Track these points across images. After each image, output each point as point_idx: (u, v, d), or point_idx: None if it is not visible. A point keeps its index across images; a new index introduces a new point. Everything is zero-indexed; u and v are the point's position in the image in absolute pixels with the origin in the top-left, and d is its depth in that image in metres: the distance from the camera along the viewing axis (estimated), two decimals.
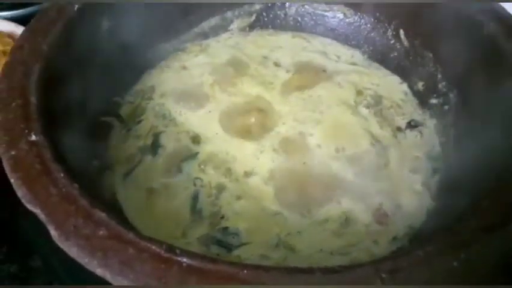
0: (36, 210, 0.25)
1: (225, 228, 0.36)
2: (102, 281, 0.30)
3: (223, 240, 0.35)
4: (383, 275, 0.22)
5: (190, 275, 0.22)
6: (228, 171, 0.39)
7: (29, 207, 0.25)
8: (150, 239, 0.23)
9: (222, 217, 0.37)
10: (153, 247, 0.23)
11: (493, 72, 0.37)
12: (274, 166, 0.39)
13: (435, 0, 0.42)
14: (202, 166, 0.39)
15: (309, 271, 0.22)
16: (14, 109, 0.29)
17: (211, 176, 0.39)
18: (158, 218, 0.36)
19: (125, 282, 0.22)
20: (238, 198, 0.38)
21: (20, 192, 0.25)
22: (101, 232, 0.24)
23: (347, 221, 0.37)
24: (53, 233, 0.24)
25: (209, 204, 0.37)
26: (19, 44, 0.34)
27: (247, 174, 0.39)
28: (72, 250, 0.23)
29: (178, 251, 0.23)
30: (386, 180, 0.39)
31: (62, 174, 0.26)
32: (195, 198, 0.37)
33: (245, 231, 0.36)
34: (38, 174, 0.26)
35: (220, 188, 0.38)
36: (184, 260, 0.23)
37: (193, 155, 0.40)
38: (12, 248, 0.41)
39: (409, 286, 0.22)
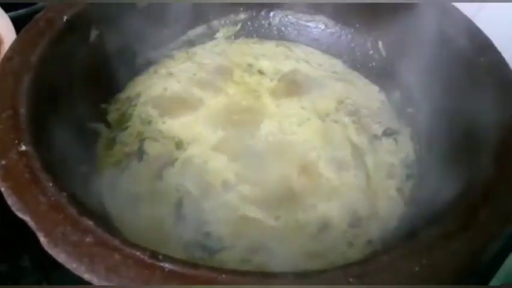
0: (26, 218, 0.26)
1: (208, 233, 0.37)
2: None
3: (206, 244, 0.37)
4: (351, 279, 0.24)
5: (172, 279, 0.24)
6: (209, 178, 0.40)
7: (19, 214, 0.26)
8: (134, 246, 0.25)
9: (205, 222, 0.38)
10: (137, 253, 0.25)
11: (462, 85, 0.39)
12: (256, 174, 0.41)
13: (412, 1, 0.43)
14: (183, 173, 0.41)
15: (282, 275, 0.24)
16: (4, 120, 0.30)
17: (193, 183, 0.40)
18: (144, 224, 0.38)
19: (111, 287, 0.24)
20: (221, 204, 0.39)
21: (10, 200, 0.27)
22: (88, 239, 0.25)
23: (324, 225, 0.38)
24: (42, 239, 0.25)
25: (192, 210, 0.38)
26: (9, 56, 0.35)
27: (227, 182, 0.40)
28: (60, 256, 0.25)
29: (160, 257, 0.24)
30: (362, 185, 0.41)
31: (51, 184, 0.27)
32: (179, 204, 0.39)
33: (227, 236, 0.37)
34: (28, 184, 0.27)
35: (203, 194, 0.39)
36: (167, 265, 0.24)
37: (174, 162, 0.41)
38: (1, 249, 0.42)
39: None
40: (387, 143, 0.45)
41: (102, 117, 0.44)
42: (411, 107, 0.46)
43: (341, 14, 0.52)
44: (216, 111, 0.45)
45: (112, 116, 0.45)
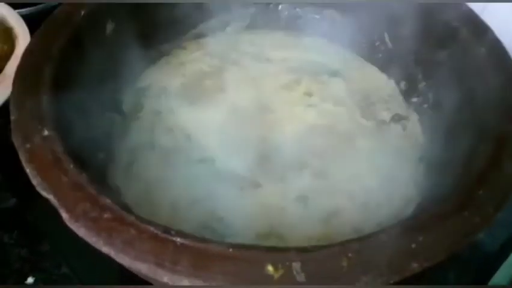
0: (50, 197, 0.28)
1: (220, 218, 0.39)
2: (106, 263, 0.33)
3: (218, 228, 0.38)
4: (349, 254, 0.25)
5: (183, 252, 0.26)
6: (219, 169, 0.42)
7: (44, 194, 0.29)
8: (149, 222, 0.27)
9: (217, 208, 0.40)
10: (151, 228, 0.27)
11: (464, 75, 0.40)
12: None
13: None
14: (196, 160, 0.42)
15: (285, 250, 0.26)
16: (28, 108, 0.33)
17: (207, 170, 0.42)
18: (157, 209, 0.40)
19: (127, 259, 0.26)
20: (236, 189, 0.41)
21: (36, 180, 0.29)
22: (106, 215, 0.27)
23: (334, 209, 0.40)
24: (64, 215, 0.27)
25: (206, 196, 0.40)
26: (30, 49, 0.37)
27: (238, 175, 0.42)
28: (81, 230, 0.27)
29: (173, 232, 0.26)
30: (371, 169, 0.43)
31: (71, 165, 0.29)
32: (191, 190, 0.41)
33: (239, 222, 0.39)
34: (51, 165, 0.29)
35: (217, 181, 0.41)
36: (178, 239, 0.26)
37: (187, 150, 0.43)
38: (22, 234, 0.45)
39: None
40: (395, 128, 0.46)
41: (117, 107, 0.46)
42: (416, 97, 0.48)
43: (348, 8, 0.53)
44: (226, 101, 0.47)
45: (127, 106, 0.47)
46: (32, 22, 0.47)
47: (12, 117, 0.32)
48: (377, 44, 0.51)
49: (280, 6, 0.56)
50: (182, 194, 0.41)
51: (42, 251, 0.44)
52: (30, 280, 0.42)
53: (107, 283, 0.42)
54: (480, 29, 0.42)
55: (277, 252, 0.26)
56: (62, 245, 0.43)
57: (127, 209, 0.28)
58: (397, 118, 0.47)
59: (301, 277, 0.25)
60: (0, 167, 0.48)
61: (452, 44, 0.43)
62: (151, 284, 0.33)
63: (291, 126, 0.46)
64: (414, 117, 0.47)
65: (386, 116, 0.47)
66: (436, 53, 0.44)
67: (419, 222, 0.27)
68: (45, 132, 0.31)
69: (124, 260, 0.26)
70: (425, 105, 0.46)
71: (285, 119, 0.46)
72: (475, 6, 0.44)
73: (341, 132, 0.46)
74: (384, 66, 0.51)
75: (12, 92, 0.34)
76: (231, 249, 0.26)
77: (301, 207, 0.40)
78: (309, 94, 0.48)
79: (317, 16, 0.54)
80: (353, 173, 0.42)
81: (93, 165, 0.39)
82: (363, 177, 0.42)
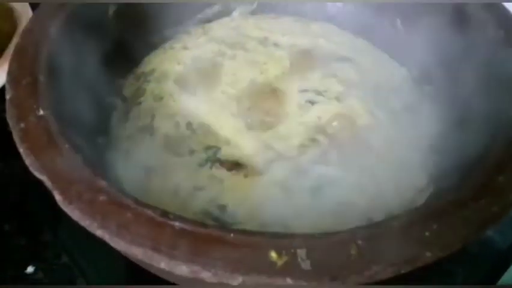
0: (43, 178, 0.27)
1: (223, 206, 0.38)
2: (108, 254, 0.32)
3: (220, 217, 0.37)
4: (359, 242, 0.24)
5: (181, 237, 0.24)
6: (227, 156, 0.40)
7: (36, 174, 0.27)
8: (146, 205, 0.26)
9: (221, 197, 0.38)
10: (149, 212, 0.25)
11: (481, 61, 0.38)
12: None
13: None
14: (198, 148, 0.41)
15: (290, 236, 0.24)
16: (23, 87, 0.31)
17: (210, 158, 0.40)
18: (157, 195, 0.38)
19: (122, 243, 0.24)
20: (239, 179, 0.39)
21: (28, 160, 0.28)
22: (101, 198, 0.26)
23: (344, 201, 0.38)
24: (57, 197, 0.26)
25: (208, 184, 0.39)
26: (29, 27, 0.36)
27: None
28: (74, 213, 0.25)
29: (171, 216, 0.25)
30: (382, 159, 0.41)
31: (67, 146, 0.28)
32: (193, 177, 0.39)
33: (243, 211, 0.37)
34: (45, 145, 0.28)
35: (220, 169, 0.40)
36: (177, 224, 0.25)
37: (190, 137, 0.42)
38: (23, 223, 0.44)
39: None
40: (407, 116, 0.44)
41: (118, 91, 0.45)
42: (429, 85, 0.46)
43: None
44: (229, 87, 0.45)
45: (128, 91, 0.45)
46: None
47: (7, 96, 0.31)
48: (389, 30, 0.49)
49: None
50: (183, 181, 0.39)
51: (43, 240, 0.43)
52: (30, 269, 0.41)
53: (108, 273, 0.41)
54: (499, 12, 0.40)
55: (282, 238, 0.24)
56: (63, 235, 0.43)
57: (123, 191, 0.26)
58: (409, 106, 0.45)
59: (306, 265, 0.23)
60: (1, 155, 0.47)
61: (468, 29, 0.41)
62: (156, 283, 0.32)
63: (297, 114, 0.44)
64: (426, 105, 0.45)
65: (397, 104, 0.45)
66: (451, 39, 0.42)
67: (433, 210, 0.25)
68: (41, 112, 0.30)
69: (119, 244, 0.24)
70: (438, 93, 0.44)
71: (291, 105, 0.44)
72: None
73: (349, 121, 0.44)
74: (396, 53, 0.49)
75: (9, 71, 0.33)
76: (232, 235, 0.24)
77: (309, 197, 0.39)
78: (317, 80, 0.46)
79: (327, 2, 0.52)
80: (362, 163, 0.41)
81: (91, 150, 0.38)
82: (373, 167, 0.40)
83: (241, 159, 0.40)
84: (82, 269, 0.41)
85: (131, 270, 0.35)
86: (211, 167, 0.40)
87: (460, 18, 0.42)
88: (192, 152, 0.41)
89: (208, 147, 0.41)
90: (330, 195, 0.39)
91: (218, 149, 0.41)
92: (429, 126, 0.44)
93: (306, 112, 0.44)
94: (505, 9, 0.40)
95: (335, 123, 0.43)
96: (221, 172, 0.40)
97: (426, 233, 0.24)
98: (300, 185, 0.39)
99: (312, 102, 0.45)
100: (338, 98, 0.45)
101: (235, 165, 0.40)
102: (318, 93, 0.45)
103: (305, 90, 0.45)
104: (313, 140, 0.42)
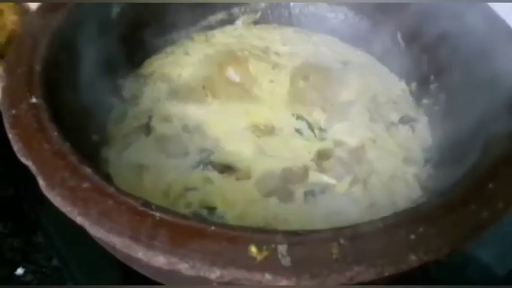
0: (28, 163, 0.27)
1: (212, 209, 0.37)
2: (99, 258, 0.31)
3: (208, 219, 0.36)
4: (342, 241, 0.23)
5: (161, 227, 0.24)
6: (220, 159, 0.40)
7: (23, 160, 0.27)
8: (128, 194, 0.25)
9: (211, 198, 0.38)
10: (131, 201, 0.25)
11: (479, 76, 0.38)
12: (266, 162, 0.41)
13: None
14: (192, 150, 0.41)
15: (272, 232, 0.24)
16: (19, 75, 0.32)
17: (203, 160, 0.40)
18: (147, 194, 0.38)
19: (101, 231, 0.24)
20: (230, 182, 0.39)
21: (16, 146, 0.28)
22: (84, 185, 0.26)
23: (337, 209, 0.38)
24: (41, 183, 0.26)
25: (199, 186, 0.38)
26: (31, 20, 0.37)
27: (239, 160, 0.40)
28: (56, 199, 0.25)
29: (153, 206, 0.25)
30: (378, 170, 0.41)
31: (56, 133, 0.28)
32: (185, 178, 0.39)
33: (232, 214, 0.37)
34: (34, 132, 0.28)
35: (212, 171, 0.40)
36: (158, 214, 0.24)
37: (184, 139, 0.42)
38: (17, 224, 0.44)
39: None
40: (404, 129, 0.44)
41: (117, 91, 0.45)
42: (427, 99, 0.46)
43: (361, 6, 0.51)
44: (226, 94, 0.46)
45: (126, 91, 0.46)
46: None
47: (2, 84, 0.31)
48: (389, 43, 0.50)
49: (292, 4, 0.54)
50: (175, 181, 0.39)
51: (36, 242, 0.43)
52: (19, 271, 0.41)
53: (98, 278, 0.41)
54: (499, 30, 0.40)
55: (263, 233, 0.24)
56: (55, 237, 0.42)
57: (108, 180, 0.26)
58: (406, 119, 0.45)
59: (286, 261, 0.22)
60: (0, 157, 0.47)
61: (467, 44, 0.41)
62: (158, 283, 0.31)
63: (289, 122, 0.44)
64: (424, 118, 0.45)
65: (394, 117, 0.45)
66: (450, 54, 0.43)
67: (420, 213, 0.25)
68: (33, 100, 0.30)
69: (98, 232, 0.24)
70: (436, 107, 0.44)
71: (284, 114, 0.44)
72: (500, 10, 0.42)
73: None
74: (395, 67, 0.49)
75: (6, 59, 0.33)
76: (212, 227, 0.24)
77: (300, 203, 0.38)
78: (315, 90, 0.46)
79: (329, 14, 0.53)
80: (357, 173, 0.40)
81: (87, 148, 0.38)
82: (367, 178, 0.40)
83: (234, 163, 0.40)
84: (71, 272, 0.40)
85: (125, 276, 0.34)
86: (203, 169, 0.40)
87: (461, 34, 0.41)
88: (186, 153, 0.41)
89: (202, 150, 0.41)
90: (322, 202, 0.38)
91: (211, 152, 0.41)
92: (426, 139, 0.44)
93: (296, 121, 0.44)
94: (504, 24, 0.40)
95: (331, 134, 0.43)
96: (213, 174, 0.39)
97: (412, 236, 0.24)
98: (292, 190, 0.39)
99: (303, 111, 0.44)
100: (333, 109, 0.45)
101: (227, 168, 0.40)
102: (313, 103, 0.45)
103: (299, 100, 0.45)
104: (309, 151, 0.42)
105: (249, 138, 0.42)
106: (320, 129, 0.43)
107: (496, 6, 0.42)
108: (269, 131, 0.43)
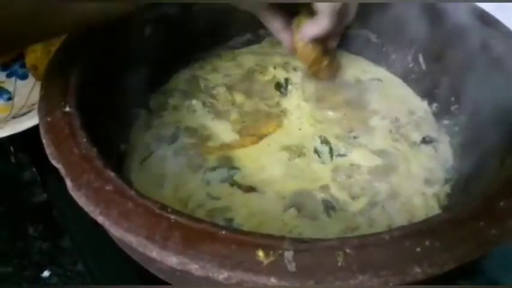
0: (59, 166, 0.29)
1: (230, 220, 0.38)
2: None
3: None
4: (347, 250, 0.24)
5: (175, 229, 0.25)
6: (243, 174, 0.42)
7: (54, 163, 0.29)
8: (147, 198, 0.27)
9: (229, 210, 0.39)
10: (149, 204, 0.26)
11: (498, 97, 0.38)
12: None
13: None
14: (215, 165, 0.43)
15: (280, 238, 0.25)
16: (56, 85, 0.34)
17: (223, 174, 0.42)
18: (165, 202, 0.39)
19: (120, 230, 0.26)
20: (249, 195, 0.40)
21: (49, 150, 0.30)
22: (108, 187, 0.27)
23: (353, 226, 0.38)
24: (68, 183, 0.28)
25: (218, 199, 0.40)
26: (70, 37, 0.40)
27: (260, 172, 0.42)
28: (81, 199, 0.27)
29: (169, 210, 0.26)
30: (398, 189, 0.41)
31: (84, 139, 0.30)
32: (205, 191, 0.40)
33: (249, 225, 0.38)
34: (65, 138, 0.30)
35: (231, 184, 0.41)
36: (173, 217, 0.26)
37: (207, 153, 0.43)
38: (47, 228, 0.46)
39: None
40: (426, 149, 0.44)
41: (145, 103, 0.48)
42: (447, 120, 0.46)
43: (384, 29, 0.52)
44: (249, 109, 0.48)
45: (153, 103, 0.48)
46: None
47: (40, 93, 0.34)
48: (410, 65, 0.50)
49: None
50: (194, 193, 0.40)
51: (63, 246, 0.45)
52: (46, 273, 0.43)
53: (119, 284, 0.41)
54: None
55: (271, 238, 0.25)
56: (82, 243, 0.44)
57: (130, 184, 0.28)
58: (428, 140, 0.45)
59: (292, 267, 0.23)
60: (36, 165, 0.51)
61: (488, 66, 0.41)
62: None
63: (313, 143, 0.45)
64: (445, 139, 0.45)
65: (416, 137, 0.45)
66: (471, 75, 0.43)
67: (427, 226, 0.25)
68: (67, 109, 0.33)
69: (117, 231, 0.26)
70: (456, 128, 0.44)
71: (309, 131, 0.46)
72: None
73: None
74: (417, 87, 0.50)
75: (46, 70, 0.36)
76: (223, 232, 0.25)
77: (317, 219, 0.39)
78: (335, 109, 0.47)
79: (352, 35, 0.54)
80: (374, 193, 0.41)
81: (113, 154, 0.40)
82: (387, 199, 0.40)
83: (257, 184, 0.41)
84: (95, 278, 0.42)
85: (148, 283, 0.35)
86: (228, 185, 0.41)
87: (482, 56, 0.42)
88: (208, 168, 0.42)
89: (227, 166, 0.42)
90: (339, 221, 0.39)
91: (237, 169, 0.42)
92: (447, 159, 0.44)
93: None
94: None
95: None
96: (234, 190, 0.41)
97: (418, 249, 0.24)
98: (310, 206, 0.40)
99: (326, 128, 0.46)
100: (355, 127, 0.46)
101: (251, 188, 0.41)
102: (335, 122, 0.46)
103: (319, 119, 0.47)
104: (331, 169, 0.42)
105: (279, 159, 0.43)
106: (342, 147, 0.44)
107: None
108: (298, 152, 0.44)
